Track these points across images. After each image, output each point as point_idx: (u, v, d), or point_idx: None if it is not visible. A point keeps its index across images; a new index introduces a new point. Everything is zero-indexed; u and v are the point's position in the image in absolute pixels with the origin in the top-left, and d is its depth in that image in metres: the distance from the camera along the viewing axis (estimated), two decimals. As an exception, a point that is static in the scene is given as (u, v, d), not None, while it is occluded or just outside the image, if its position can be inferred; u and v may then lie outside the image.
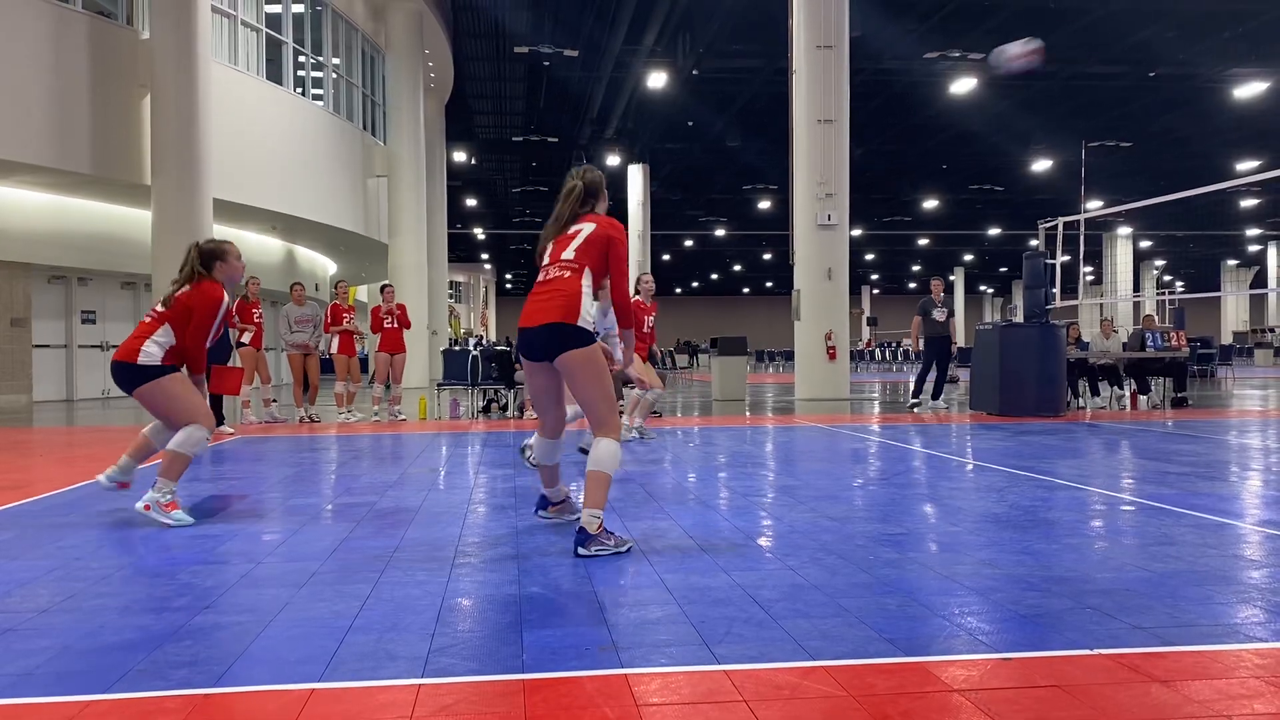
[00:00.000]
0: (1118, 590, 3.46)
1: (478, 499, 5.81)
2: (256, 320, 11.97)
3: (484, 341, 21.06)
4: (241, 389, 7.25)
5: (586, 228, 4.41)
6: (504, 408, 13.39)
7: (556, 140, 31.57)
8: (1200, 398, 15.81)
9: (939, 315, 13.21)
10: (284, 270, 22.63)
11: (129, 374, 5.06)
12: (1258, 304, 58.05)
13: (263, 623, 3.12)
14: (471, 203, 40.87)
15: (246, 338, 11.92)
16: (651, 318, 10.22)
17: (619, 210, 35.86)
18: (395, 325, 12.41)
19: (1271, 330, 48.43)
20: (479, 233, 48.44)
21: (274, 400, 12.77)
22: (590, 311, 4.27)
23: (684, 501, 5.65)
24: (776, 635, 2.94)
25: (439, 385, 13.78)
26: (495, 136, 32.36)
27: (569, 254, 4.33)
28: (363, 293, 34.97)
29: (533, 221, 47.33)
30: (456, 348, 15.78)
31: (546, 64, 24.10)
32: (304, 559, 4.12)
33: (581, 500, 4.25)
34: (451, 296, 41.38)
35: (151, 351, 5.06)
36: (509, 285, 77.58)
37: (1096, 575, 3.70)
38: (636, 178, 33.46)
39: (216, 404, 10.49)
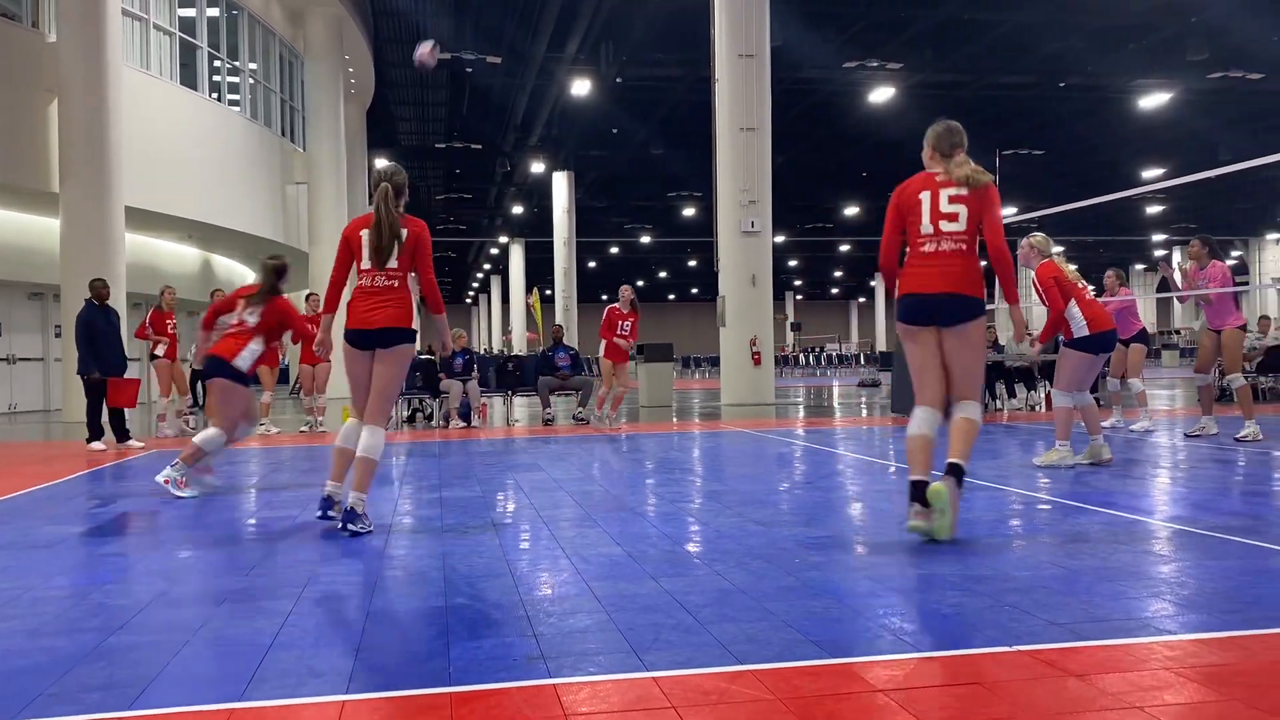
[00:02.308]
0: (1035, 588, 3.55)
1: (403, 510, 5.74)
2: (171, 332, 11.65)
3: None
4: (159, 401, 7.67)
5: (402, 233, 4.99)
6: (429, 417, 13.24)
7: (480, 147, 31.37)
8: (1111, 398, 16.30)
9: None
10: (201, 280, 22.08)
11: (221, 367, 6.25)
12: (1164, 307, 60.24)
13: (180, 642, 3.04)
14: (394, 210, 40.38)
15: (161, 350, 11.59)
16: (628, 323, 11.50)
17: (545, 217, 35.78)
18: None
19: (1177, 332, 50.31)
20: (402, 240, 47.87)
21: (190, 413, 12.44)
22: (414, 310, 5.04)
23: (612, 509, 5.64)
24: (704, 640, 2.95)
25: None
26: (418, 143, 32.02)
27: (393, 263, 4.97)
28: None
29: (457, 229, 46.91)
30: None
31: (469, 70, 23.94)
32: (223, 575, 4.01)
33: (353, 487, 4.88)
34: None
35: (245, 359, 6.32)
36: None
37: (1015, 573, 3.79)
38: (562, 185, 33.41)
39: (117, 417, 10.17)
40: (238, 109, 20.16)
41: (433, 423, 12.99)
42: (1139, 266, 61.42)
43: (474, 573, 3.98)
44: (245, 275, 26.57)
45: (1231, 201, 37.91)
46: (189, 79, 18.26)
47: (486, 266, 59.57)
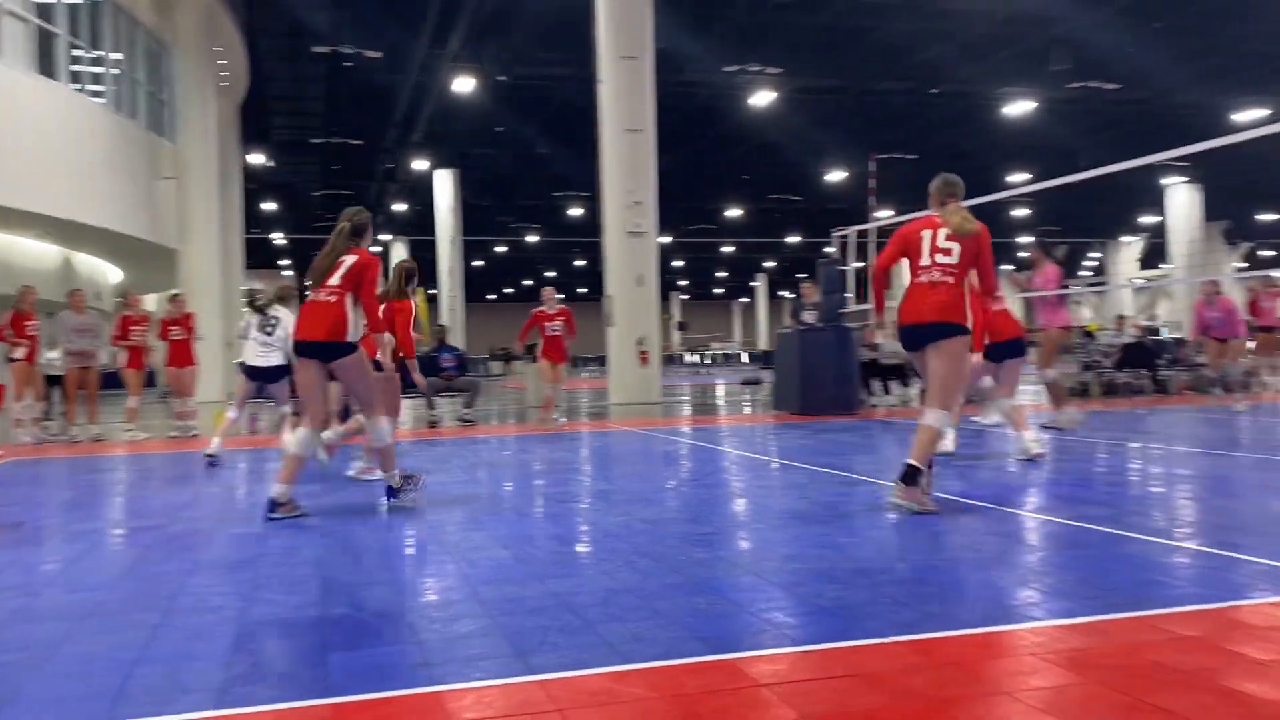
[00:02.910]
0: (911, 579, 3.66)
1: (281, 517, 5.55)
2: (30, 334, 11.04)
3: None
4: (13, 406, 7.26)
5: (349, 259, 5.50)
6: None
7: (360, 143, 30.66)
8: (979, 392, 16.95)
9: (809, 316, 13.57)
10: (61, 279, 20.94)
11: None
12: (1029, 306, 62.86)
13: (40, 660, 2.88)
14: (270, 207, 39.09)
15: (20, 353, 10.96)
16: (558, 322, 11.81)
17: (428, 215, 35.20)
18: (184, 337, 11.71)
19: (1040, 330, 52.52)
20: (279, 238, 46.43)
21: (48, 419, 11.81)
22: (356, 326, 5.43)
23: (499, 511, 5.59)
24: (591, 641, 2.95)
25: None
26: (295, 138, 31.08)
27: (334, 281, 5.44)
28: (152, 302, 32.82)
29: (335, 226, 45.75)
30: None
31: (348, 65, 23.38)
32: (86, 589, 3.82)
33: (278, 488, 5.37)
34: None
35: (380, 354, 6.46)
36: (310, 294, 74.74)
37: (893, 565, 3.90)
38: (446, 182, 32.93)
39: None
40: (101, 101, 19.21)
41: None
42: (1007, 267, 64.08)
43: (355, 580, 3.89)
44: (111, 275, 25.40)
45: (1090, 205, 39.85)
46: (47, 68, 17.31)
47: (368, 266, 58.24)
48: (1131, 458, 7.57)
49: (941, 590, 3.48)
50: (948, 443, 7.23)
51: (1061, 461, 7.29)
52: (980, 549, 4.18)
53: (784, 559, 4.08)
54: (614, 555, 4.21)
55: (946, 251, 5.25)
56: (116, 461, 9.09)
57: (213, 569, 4.16)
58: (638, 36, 16.58)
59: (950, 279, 5.22)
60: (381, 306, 6.73)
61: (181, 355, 11.70)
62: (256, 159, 31.07)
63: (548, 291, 12.44)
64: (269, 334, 8.51)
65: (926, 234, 5.36)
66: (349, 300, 5.41)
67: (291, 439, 5.54)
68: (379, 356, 6.25)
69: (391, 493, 5.63)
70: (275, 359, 8.42)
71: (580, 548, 4.44)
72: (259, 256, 51.08)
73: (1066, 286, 9.66)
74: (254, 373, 8.50)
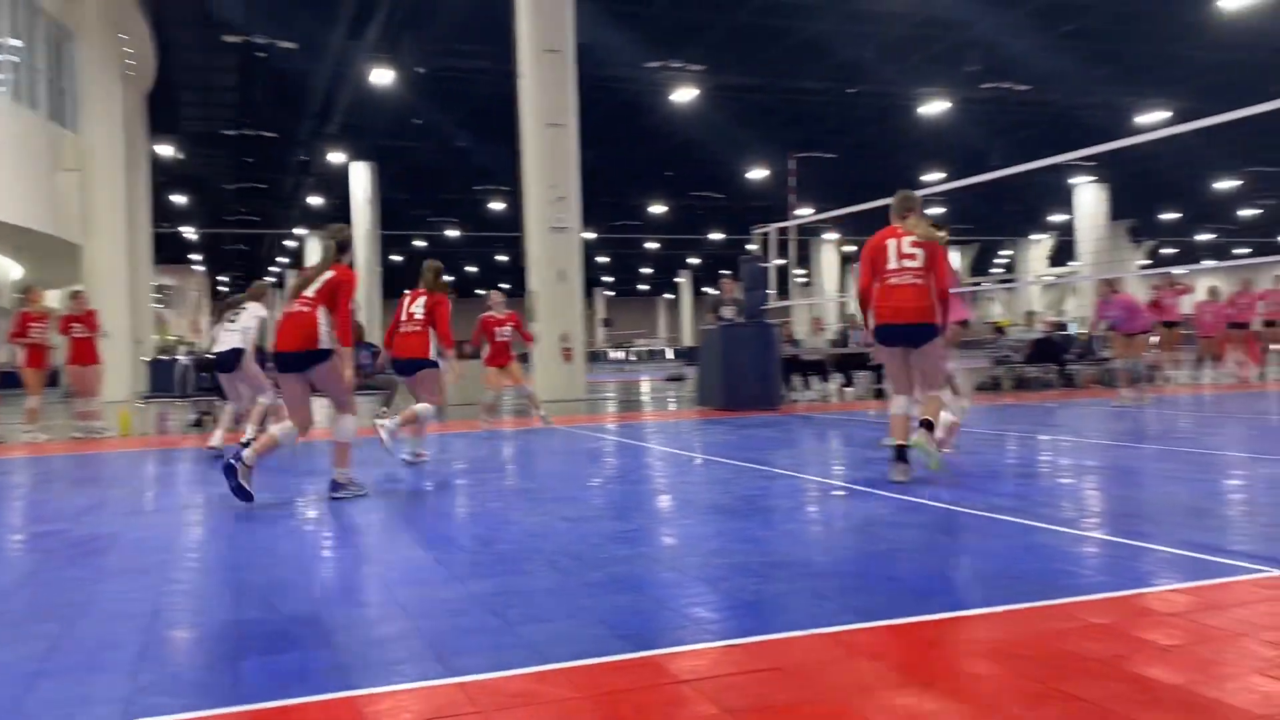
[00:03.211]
0: (830, 572, 3.70)
1: (191, 520, 5.40)
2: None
3: (195, 350, 19.65)
4: None
5: (328, 274, 5.88)
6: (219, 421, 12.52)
7: (275, 135, 29.94)
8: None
9: (729, 312, 13.61)
10: (-44, 274, 20.08)
11: (421, 363, 7.60)
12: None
13: (-73, 677, 2.74)
14: (180, 200, 37.95)
15: None
16: (507, 327, 11.44)
17: (345, 208, 34.55)
18: (86, 334, 11.31)
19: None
20: (189, 232, 45.13)
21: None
22: (329, 335, 5.78)
23: (418, 512, 5.51)
24: (512, 642, 2.91)
25: (144, 398, 12.71)
26: (206, 129, 30.19)
27: (310, 292, 5.81)
28: (55, 298, 31.61)
29: (249, 220, 44.65)
30: (164, 357, 14.63)
31: (262, 55, 22.80)
32: (-19, 599, 3.65)
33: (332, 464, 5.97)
34: (158, 302, 38.32)
35: (433, 349, 7.53)
36: (224, 289, 72.86)
37: (813, 559, 3.94)
38: (362, 175, 32.37)
39: None
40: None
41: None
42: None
43: (269, 583, 3.79)
44: (10, 270, 24.41)
45: (1002, 204, 40.91)
46: (-61, 53, 16.54)
47: (283, 260, 57.04)
48: (1041, 450, 7.78)
49: (859, 582, 3.52)
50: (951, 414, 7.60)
51: (973, 454, 7.46)
52: (896, 541, 4.24)
53: (706, 554, 4.09)
54: (536, 555, 4.18)
55: (912, 257, 5.97)
56: (15, 465, 8.73)
57: (119, 574, 4.02)
58: (559, 30, 16.50)
59: (920, 281, 5.94)
60: (422, 305, 7.64)
61: (84, 353, 11.29)
62: (165, 150, 30.14)
63: (496, 296, 11.77)
64: (232, 321, 8.64)
65: (891, 242, 6.04)
66: (321, 311, 5.78)
67: (278, 428, 5.90)
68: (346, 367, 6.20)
69: (336, 487, 5.88)
70: (232, 342, 8.53)
71: (501, 548, 4.39)
72: (169, 251, 49.59)
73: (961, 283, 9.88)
74: (213, 363, 8.72)
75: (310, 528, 5.08)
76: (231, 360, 8.45)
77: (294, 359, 5.79)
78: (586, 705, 2.39)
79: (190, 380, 12.17)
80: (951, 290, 6.43)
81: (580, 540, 4.45)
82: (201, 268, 58.95)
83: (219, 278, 67.89)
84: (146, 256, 27.63)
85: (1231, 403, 12.28)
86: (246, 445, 6.05)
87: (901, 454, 5.91)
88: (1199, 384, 15.99)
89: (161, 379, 12.43)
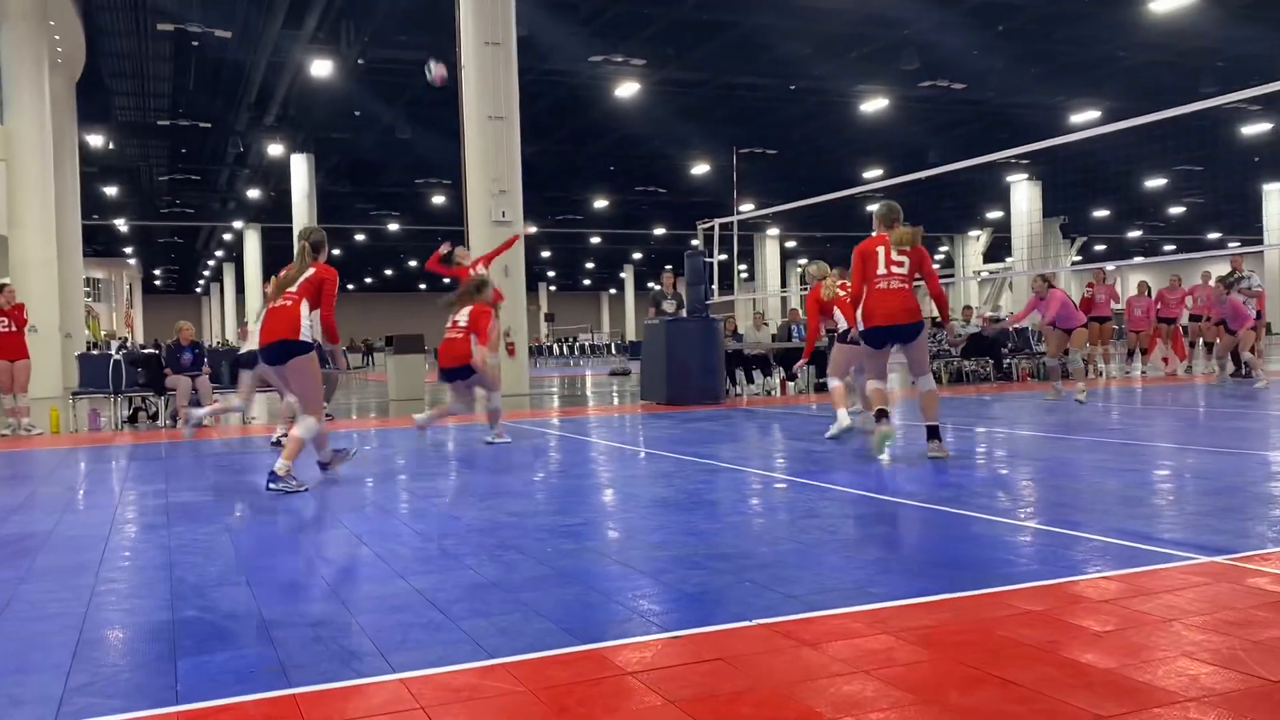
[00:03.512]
0: (773, 563, 3.74)
1: (124, 518, 5.28)
2: None
3: (128, 344, 19.18)
4: None
5: (309, 271, 6.17)
6: (153, 416, 12.27)
7: (210, 125, 29.30)
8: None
9: (669, 306, 13.59)
10: (-127, 266, 19.37)
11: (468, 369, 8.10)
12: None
13: None
14: (112, 191, 36.98)
15: None
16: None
17: (284, 201, 33.97)
18: (13, 329, 10.99)
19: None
20: (121, 224, 44.03)
21: None
22: (310, 329, 6.08)
23: (360, 508, 5.45)
24: (455, 637, 2.90)
25: (75, 394, 12.39)
26: (138, 119, 29.43)
27: (293, 288, 6.10)
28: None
29: (183, 212, 43.67)
30: (95, 352, 14.27)
31: (196, 44, 22.30)
32: (-98, 602, 3.53)
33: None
34: (89, 295, 37.35)
35: (479, 353, 8.01)
36: (157, 282, 71.22)
37: (755, 550, 3.98)
38: (301, 168, 31.83)
39: None
40: (-82, 74, 17.80)
41: (158, 423, 12.05)
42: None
43: (205, 581, 3.72)
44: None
45: (939, 201, 41.56)
46: None
47: (219, 254, 55.91)
48: (977, 442, 7.93)
49: (801, 573, 3.56)
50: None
51: (912, 446, 7.58)
52: (836, 532, 4.30)
53: (650, 547, 4.10)
54: (479, 550, 4.16)
55: (900, 264, 6.57)
56: (-61, 463, 8.46)
57: (50, 574, 3.92)
58: (500, 22, 16.37)
59: (906, 286, 6.59)
60: (465, 312, 8.05)
61: (11, 348, 10.97)
62: (96, 140, 29.35)
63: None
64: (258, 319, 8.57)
65: (880, 249, 6.61)
66: (304, 305, 6.06)
67: (300, 428, 6.09)
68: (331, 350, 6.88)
69: (275, 478, 5.92)
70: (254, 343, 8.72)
71: (445, 543, 4.36)
72: (100, 243, 48.36)
73: None
74: (246, 359, 8.89)
75: (249, 525, 5.00)
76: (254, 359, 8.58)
77: (274, 350, 6.05)
78: (531, 699, 2.39)
79: (124, 375, 11.88)
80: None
81: (524, 535, 4.43)
82: (134, 260, 57.55)
83: (153, 271, 66.39)
84: (76, 249, 26.90)
85: (1160, 395, 12.63)
86: (277, 444, 7.08)
87: (883, 416, 6.61)
88: (1129, 377, 16.41)
89: (93, 374, 12.12)
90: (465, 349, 7.93)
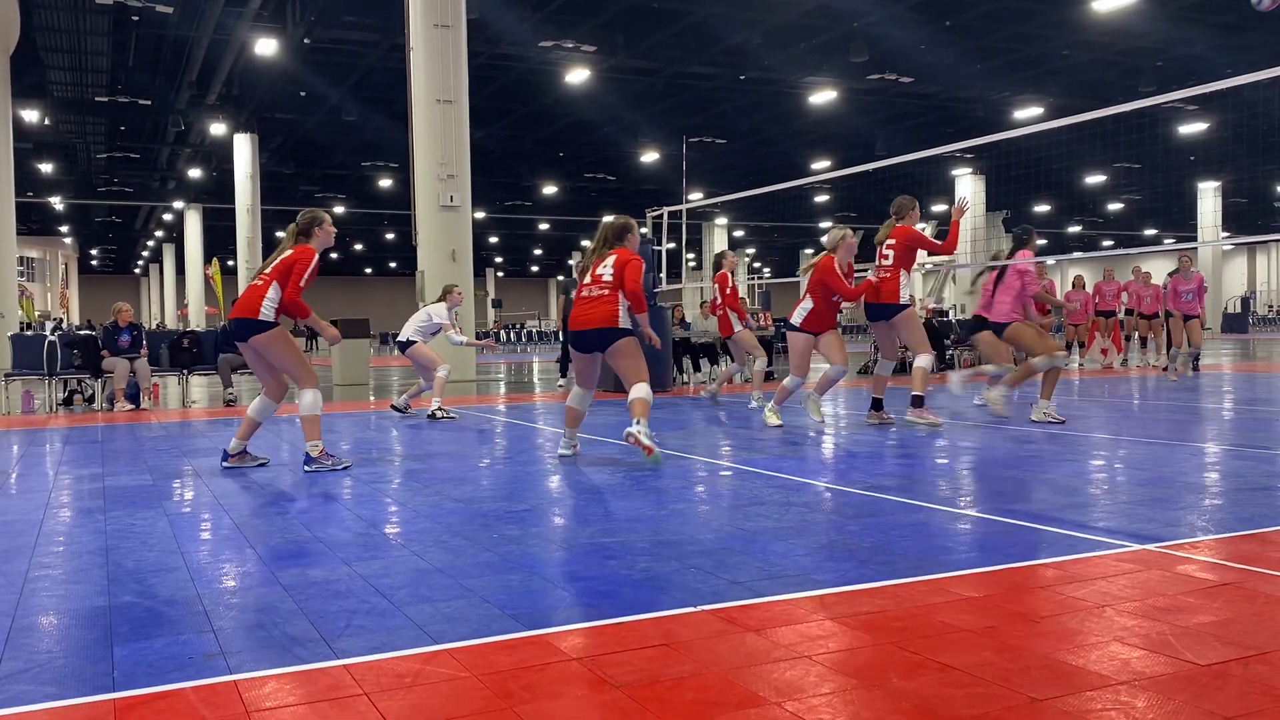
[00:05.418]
0: (718, 549, 3.77)
1: (59, 503, 5.16)
2: None
3: (64, 325, 18.69)
4: None
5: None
6: (89, 399, 11.99)
7: (150, 103, 28.60)
8: (785, 372, 17.63)
9: None
10: None
11: (616, 332, 6.57)
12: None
13: None
14: (47, 169, 35.98)
15: None
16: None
17: (226, 181, 33.34)
18: None
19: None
20: (56, 202, 42.87)
21: None
22: (271, 307, 6.05)
23: (304, 494, 5.39)
24: (399, 623, 2.88)
25: (7, 375, 12.06)
26: (75, 95, 28.65)
27: (267, 270, 6.13)
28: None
29: (122, 191, 42.64)
30: (29, 333, 13.89)
31: (136, 19, 21.75)
32: None
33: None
34: (22, 274, 36.34)
35: (625, 316, 6.65)
36: (94, 262, 69.54)
37: (700, 537, 4.00)
38: (244, 147, 31.25)
39: None
40: None
41: (95, 405, 11.79)
42: (808, 251, 66.76)
43: (143, 567, 3.65)
44: None
45: (886, 193, 42.04)
46: None
47: (159, 234, 54.67)
48: (919, 431, 8.04)
49: (745, 560, 3.60)
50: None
51: (856, 435, 7.67)
52: (780, 519, 4.34)
53: (596, 533, 4.11)
54: (424, 535, 4.14)
55: (885, 256, 8.01)
56: None
57: (-22, 561, 3.82)
58: (450, 5, 16.19)
59: (888, 275, 8.03)
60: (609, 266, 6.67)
61: None
62: (31, 115, 28.51)
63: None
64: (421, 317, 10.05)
65: (882, 244, 8.22)
66: (273, 288, 6.04)
67: (302, 405, 6.14)
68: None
69: (309, 460, 6.10)
70: (408, 333, 9.98)
71: (389, 529, 4.33)
72: (35, 222, 47.06)
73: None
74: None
75: (188, 509, 4.92)
76: (405, 346, 9.91)
77: (235, 327, 6.10)
78: (476, 684, 2.39)
79: (59, 357, 11.59)
80: (942, 243, 8.62)
81: (469, 521, 4.42)
82: (70, 240, 56.12)
83: (90, 250, 64.80)
84: (9, 226, 26.14)
85: (1096, 387, 12.91)
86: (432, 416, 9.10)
87: (878, 404, 8.30)
88: (1066, 369, 16.74)
89: (27, 356, 11.81)
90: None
